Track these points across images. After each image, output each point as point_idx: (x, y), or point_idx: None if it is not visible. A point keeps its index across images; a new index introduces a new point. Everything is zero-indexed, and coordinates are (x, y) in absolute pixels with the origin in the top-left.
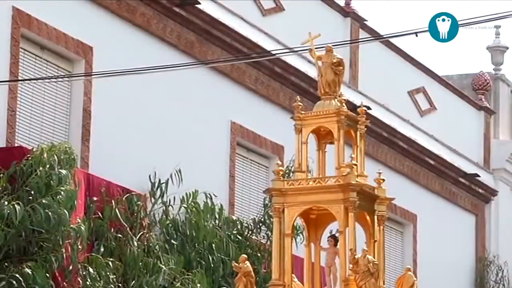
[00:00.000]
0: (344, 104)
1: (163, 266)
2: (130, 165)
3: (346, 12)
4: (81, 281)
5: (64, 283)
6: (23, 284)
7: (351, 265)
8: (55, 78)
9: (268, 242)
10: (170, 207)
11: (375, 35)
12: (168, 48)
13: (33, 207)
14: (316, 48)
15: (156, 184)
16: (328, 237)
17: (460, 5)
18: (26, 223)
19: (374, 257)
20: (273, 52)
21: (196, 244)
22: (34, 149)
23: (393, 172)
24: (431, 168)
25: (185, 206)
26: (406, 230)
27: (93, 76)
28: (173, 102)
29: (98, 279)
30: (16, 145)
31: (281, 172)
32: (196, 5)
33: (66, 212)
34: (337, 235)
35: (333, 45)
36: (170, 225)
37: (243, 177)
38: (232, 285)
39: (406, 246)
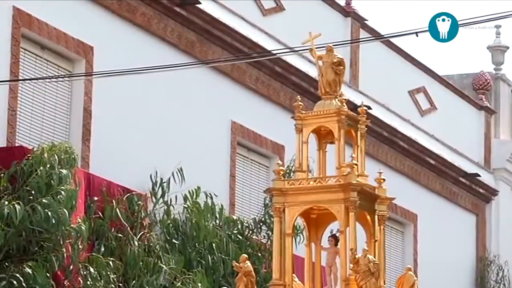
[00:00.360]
0: (344, 104)
1: (164, 266)
2: (130, 165)
3: (347, 12)
4: (81, 281)
5: (65, 283)
6: (23, 283)
7: (351, 265)
8: (55, 78)
9: (269, 242)
10: (170, 206)
11: (376, 35)
12: (168, 48)
13: (33, 207)
14: (316, 47)
15: (158, 184)
16: (329, 236)
17: (460, 5)
18: (26, 223)
19: (374, 257)
20: (274, 52)
21: (196, 244)
22: (35, 149)
23: (393, 172)
24: (431, 168)
25: (186, 206)
26: (407, 229)
27: (93, 76)
28: (174, 102)
29: (99, 278)
30: (16, 144)
31: (281, 172)
32: (197, 5)
33: (67, 212)
34: (337, 234)
35: (333, 45)
36: (171, 224)
37: (244, 176)
38: (233, 284)
39: (407, 246)
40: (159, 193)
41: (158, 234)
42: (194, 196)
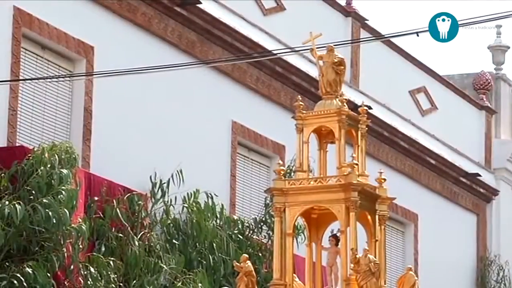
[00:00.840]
0: (345, 104)
1: (164, 266)
2: (131, 164)
3: (347, 11)
4: (82, 281)
5: (65, 283)
6: (24, 283)
7: (352, 265)
8: (56, 78)
9: (269, 242)
10: (171, 206)
11: (376, 35)
12: (169, 47)
13: (34, 207)
14: (317, 47)
15: (158, 185)
16: (330, 236)
17: (460, 5)
18: (26, 223)
19: (375, 257)
20: (274, 52)
21: (197, 244)
22: (35, 149)
23: (394, 172)
24: (432, 168)
25: (186, 206)
26: (407, 229)
27: (94, 75)
28: (174, 102)
29: (99, 278)
30: (17, 144)
31: (282, 172)
32: (197, 5)
33: (67, 211)
34: (338, 234)
35: (334, 45)
36: (171, 224)
37: (244, 176)
38: (234, 284)
39: (407, 246)
40: (159, 194)
41: (159, 234)
42: (193, 198)
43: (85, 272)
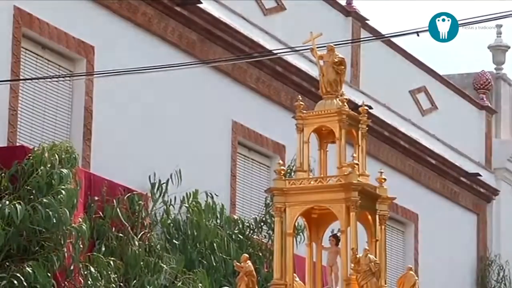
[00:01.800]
0: (345, 104)
1: (165, 266)
2: (131, 164)
3: (348, 11)
4: (82, 281)
5: (65, 283)
6: (24, 283)
7: (352, 265)
8: (56, 78)
9: (270, 242)
10: (171, 206)
11: (377, 35)
12: (169, 47)
13: (34, 207)
14: (317, 47)
15: (156, 185)
16: (330, 236)
17: (460, 5)
18: (27, 223)
19: (375, 257)
20: (275, 52)
21: (197, 244)
22: (36, 149)
23: (394, 172)
24: (432, 168)
25: (187, 205)
26: (408, 229)
27: (94, 75)
28: (175, 102)
29: (99, 278)
30: (17, 144)
31: (282, 172)
32: (198, 5)
33: (67, 211)
34: (338, 234)
35: (334, 45)
36: (172, 224)
37: (245, 176)
38: (234, 284)
39: (408, 246)
40: (158, 195)
41: (159, 234)
42: (191, 198)
43: (85, 272)
